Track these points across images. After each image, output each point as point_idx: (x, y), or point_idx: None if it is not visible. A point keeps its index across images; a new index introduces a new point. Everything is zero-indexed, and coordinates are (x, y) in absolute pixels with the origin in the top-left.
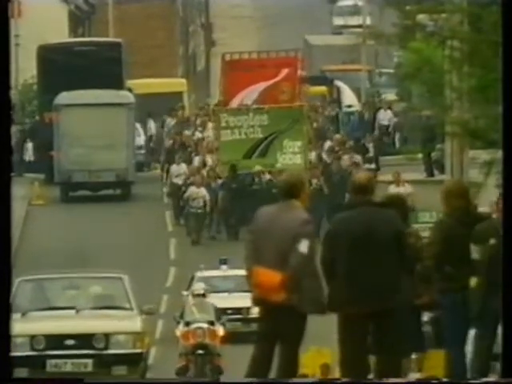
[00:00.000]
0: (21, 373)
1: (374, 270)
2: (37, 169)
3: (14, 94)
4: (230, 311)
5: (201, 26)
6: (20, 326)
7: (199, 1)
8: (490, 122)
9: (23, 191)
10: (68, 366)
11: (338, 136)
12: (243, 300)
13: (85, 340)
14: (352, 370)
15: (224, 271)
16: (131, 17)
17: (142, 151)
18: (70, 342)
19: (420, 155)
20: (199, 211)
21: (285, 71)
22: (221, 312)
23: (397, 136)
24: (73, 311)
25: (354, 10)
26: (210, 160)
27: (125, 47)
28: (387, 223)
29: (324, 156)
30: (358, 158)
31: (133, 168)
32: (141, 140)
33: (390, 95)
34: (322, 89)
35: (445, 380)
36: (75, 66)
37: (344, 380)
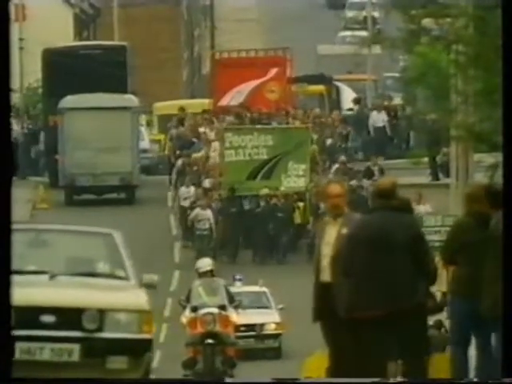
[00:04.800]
0: None
1: (388, 274)
2: (41, 172)
3: (18, 98)
4: (243, 328)
5: (205, 29)
6: None
7: (204, 4)
8: (495, 126)
9: (27, 195)
10: (45, 353)
11: (343, 158)
12: (257, 316)
13: (71, 317)
14: (371, 372)
15: (238, 287)
16: (136, 20)
17: (147, 155)
18: (49, 318)
19: (425, 159)
20: (205, 233)
21: (274, 70)
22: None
23: (396, 138)
24: (45, 276)
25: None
26: (211, 181)
27: (130, 50)
28: (405, 227)
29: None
30: (366, 183)
31: (137, 172)
32: (145, 144)
33: (396, 99)
34: (320, 88)
35: (446, 380)
36: (80, 70)
37: (345, 380)
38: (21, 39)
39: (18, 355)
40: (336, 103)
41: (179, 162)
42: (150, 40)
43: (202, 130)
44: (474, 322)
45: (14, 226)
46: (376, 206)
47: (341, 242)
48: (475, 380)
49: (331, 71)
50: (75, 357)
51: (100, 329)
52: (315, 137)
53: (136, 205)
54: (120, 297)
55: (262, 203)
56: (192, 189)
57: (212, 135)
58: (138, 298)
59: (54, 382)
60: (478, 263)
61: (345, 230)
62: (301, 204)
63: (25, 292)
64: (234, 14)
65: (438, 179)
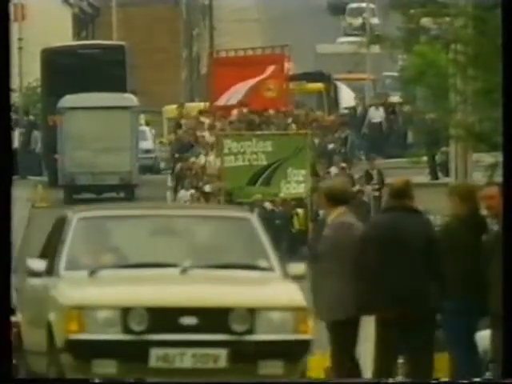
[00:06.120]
0: (105, 367)
1: (401, 275)
2: (36, 171)
3: (17, 97)
4: None
5: (204, 29)
6: (94, 292)
7: (203, 4)
8: (494, 125)
9: (27, 193)
10: (186, 360)
11: (342, 164)
12: None
13: (216, 318)
14: (382, 373)
15: None
16: (135, 20)
17: (150, 155)
18: (190, 320)
19: (424, 158)
20: None
21: (271, 68)
22: None
23: (393, 135)
24: (174, 270)
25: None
26: (211, 186)
27: (128, 50)
28: (418, 228)
29: None
30: (368, 188)
31: (136, 171)
32: (149, 144)
33: (395, 98)
34: (319, 85)
35: (445, 380)
36: (79, 69)
37: (345, 380)
38: (20, 39)
39: (153, 362)
40: (334, 101)
41: (178, 166)
42: (149, 40)
43: (200, 133)
44: (467, 322)
45: (137, 212)
46: (389, 206)
47: (324, 242)
48: (475, 380)
49: (330, 70)
50: (222, 363)
51: (250, 330)
52: (317, 141)
53: None
54: (271, 292)
55: (257, 209)
56: (192, 192)
57: (210, 139)
58: (292, 293)
59: (54, 382)
60: (471, 263)
61: (327, 231)
62: (300, 211)
63: (158, 290)
64: (233, 14)
65: (437, 178)
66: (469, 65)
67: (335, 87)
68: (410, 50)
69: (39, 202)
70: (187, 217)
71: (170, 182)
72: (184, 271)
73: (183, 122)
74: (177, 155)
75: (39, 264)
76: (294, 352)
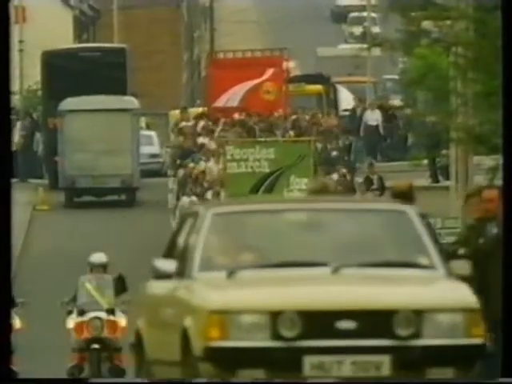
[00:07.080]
0: (252, 377)
1: None
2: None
3: (18, 100)
4: None
5: (205, 31)
6: (237, 295)
7: (204, 6)
8: (495, 128)
9: (28, 197)
10: (345, 368)
11: (343, 170)
12: None
13: (377, 322)
14: None
15: None
16: (136, 22)
17: (157, 159)
18: (349, 324)
19: (425, 161)
20: None
21: (270, 71)
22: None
23: (392, 138)
24: (325, 269)
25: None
26: (212, 193)
27: (129, 53)
28: None
29: None
30: (368, 194)
31: (138, 174)
32: (155, 149)
33: (396, 101)
34: (318, 87)
35: (444, 380)
36: (80, 72)
37: (343, 380)
38: (20, 41)
39: (307, 371)
40: (333, 103)
41: (181, 172)
42: (150, 42)
43: (201, 139)
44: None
45: (278, 207)
46: None
47: None
48: (475, 380)
49: (331, 73)
50: (385, 371)
51: (417, 335)
52: (319, 146)
53: (136, 207)
54: (438, 292)
55: None
56: (193, 199)
57: (211, 144)
58: (463, 293)
59: (54, 382)
60: (493, 263)
61: None
62: None
63: (310, 292)
64: (234, 15)
65: (437, 181)
66: (469, 67)
67: (335, 89)
68: (410, 52)
69: (40, 205)
70: (335, 210)
71: (170, 185)
72: (336, 270)
73: (183, 125)
74: (178, 161)
75: (169, 265)
76: (466, 358)
